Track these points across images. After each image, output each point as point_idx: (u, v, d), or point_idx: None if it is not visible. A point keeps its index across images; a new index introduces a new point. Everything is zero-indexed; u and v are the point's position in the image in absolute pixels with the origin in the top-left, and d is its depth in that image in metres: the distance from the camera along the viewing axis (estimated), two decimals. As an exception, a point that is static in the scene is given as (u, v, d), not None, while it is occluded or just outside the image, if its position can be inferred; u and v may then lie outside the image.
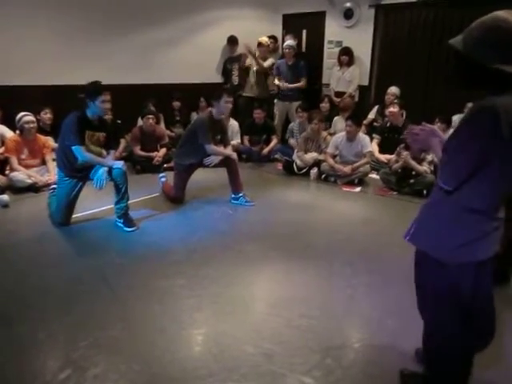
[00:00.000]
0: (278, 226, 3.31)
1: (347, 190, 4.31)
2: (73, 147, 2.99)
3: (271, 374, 1.70)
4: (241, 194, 3.78)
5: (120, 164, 3.17)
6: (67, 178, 3.14)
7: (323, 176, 4.57)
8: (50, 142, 4.39)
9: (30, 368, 1.72)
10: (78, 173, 3.12)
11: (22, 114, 4.09)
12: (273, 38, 6.33)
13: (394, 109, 4.63)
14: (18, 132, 4.17)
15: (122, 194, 3.14)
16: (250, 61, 5.74)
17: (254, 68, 5.64)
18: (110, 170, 3.12)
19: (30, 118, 4.11)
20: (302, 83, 5.64)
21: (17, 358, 1.77)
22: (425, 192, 3.95)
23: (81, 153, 3.00)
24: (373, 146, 4.73)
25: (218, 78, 6.43)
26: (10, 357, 1.78)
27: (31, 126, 4.09)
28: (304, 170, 4.70)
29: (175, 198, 3.76)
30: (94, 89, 2.99)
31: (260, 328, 2.00)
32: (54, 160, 4.21)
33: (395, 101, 4.79)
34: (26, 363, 1.75)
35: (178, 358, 1.79)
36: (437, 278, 1.35)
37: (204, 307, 2.17)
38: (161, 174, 4.19)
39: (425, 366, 1.56)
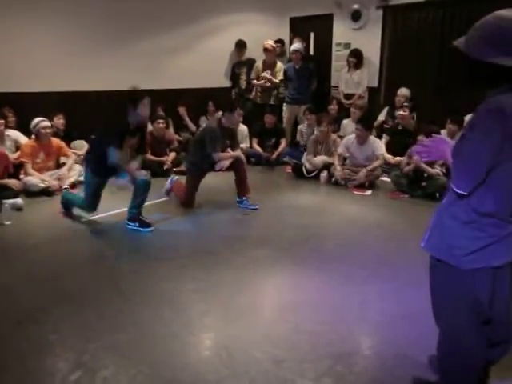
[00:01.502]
0: (287, 230, 3.29)
1: (358, 193, 4.26)
2: (110, 147, 3.04)
3: (281, 380, 1.68)
4: (244, 198, 3.76)
5: (144, 175, 3.24)
6: (94, 176, 3.21)
7: (333, 179, 4.53)
8: (64, 146, 4.46)
9: (41, 369, 1.74)
10: (106, 172, 3.19)
11: (39, 119, 4.18)
12: (280, 41, 6.33)
13: (404, 112, 4.58)
14: (33, 137, 4.25)
15: (139, 200, 3.20)
16: (255, 75, 5.75)
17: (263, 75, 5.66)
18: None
19: (47, 123, 4.21)
20: (313, 85, 5.71)
21: (27, 360, 1.79)
22: (438, 195, 3.89)
23: (114, 155, 3.06)
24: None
25: (226, 83, 6.46)
26: (21, 358, 1.80)
27: (47, 131, 4.20)
28: (313, 174, 4.67)
29: (186, 202, 3.78)
30: (138, 94, 3.12)
31: (269, 333, 1.98)
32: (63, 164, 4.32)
33: (405, 103, 4.74)
34: (36, 364, 1.76)
35: (187, 363, 1.78)
36: (453, 285, 1.32)
37: (213, 312, 2.17)
38: (171, 176, 4.21)
39: (439, 375, 1.52)
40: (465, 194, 1.23)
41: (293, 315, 2.11)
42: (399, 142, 4.65)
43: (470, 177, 1.21)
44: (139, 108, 3.06)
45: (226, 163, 3.74)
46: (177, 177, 4.09)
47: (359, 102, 5.40)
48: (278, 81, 5.65)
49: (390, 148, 4.73)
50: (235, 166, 3.77)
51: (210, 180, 3.99)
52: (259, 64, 5.74)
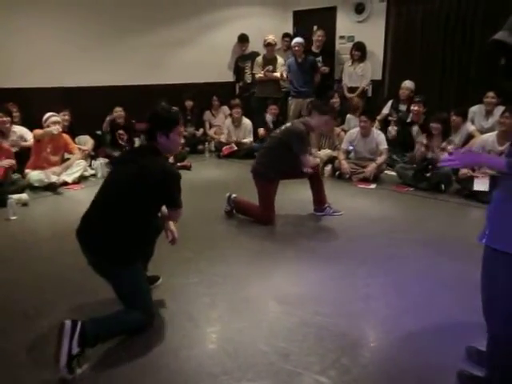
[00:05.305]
0: (291, 224, 3.29)
1: (362, 186, 4.25)
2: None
3: (286, 373, 1.68)
4: (327, 205, 3.43)
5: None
6: None
7: (337, 173, 4.52)
8: (71, 143, 4.48)
9: (48, 362, 1.76)
10: None
11: (49, 114, 4.23)
12: (287, 36, 6.28)
13: (419, 108, 4.60)
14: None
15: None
16: (257, 70, 5.77)
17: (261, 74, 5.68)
18: None
19: (57, 118, 4.25)
20: (317, 78, 5.70)
21: (34, 352, 1.81)
22: (442, 186, 3.82)
23: None
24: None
25: (229, 77, 6.43)
26: (28, 352, 1.82)
27: (57, 126, 4.21)
28: (317, 167, 4.65)
29: (268, 218, 3.19)
30: None
31: (274, 326, 1.99)
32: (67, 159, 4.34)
33: (417, 98, 4.73)
34: (43, 357, 1.78)
35: (193, 356, 1.79)
36: None
37: (218, 305, 2.17)
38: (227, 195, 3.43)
39: (488, 371, 1.47)
40: None
41: (297, 308, 2.12)
42: (405, 133, 4.68)
43: None
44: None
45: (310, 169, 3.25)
46: (234, 195, 3.40)
47: (353, 101, 5.33)
48: (278, 75, 5.69)
49: (398, 139, 4.74)
50: (313, 175, 3.34)
51: (212, 175, 3.97)
52: (259, 59, 5.77)
